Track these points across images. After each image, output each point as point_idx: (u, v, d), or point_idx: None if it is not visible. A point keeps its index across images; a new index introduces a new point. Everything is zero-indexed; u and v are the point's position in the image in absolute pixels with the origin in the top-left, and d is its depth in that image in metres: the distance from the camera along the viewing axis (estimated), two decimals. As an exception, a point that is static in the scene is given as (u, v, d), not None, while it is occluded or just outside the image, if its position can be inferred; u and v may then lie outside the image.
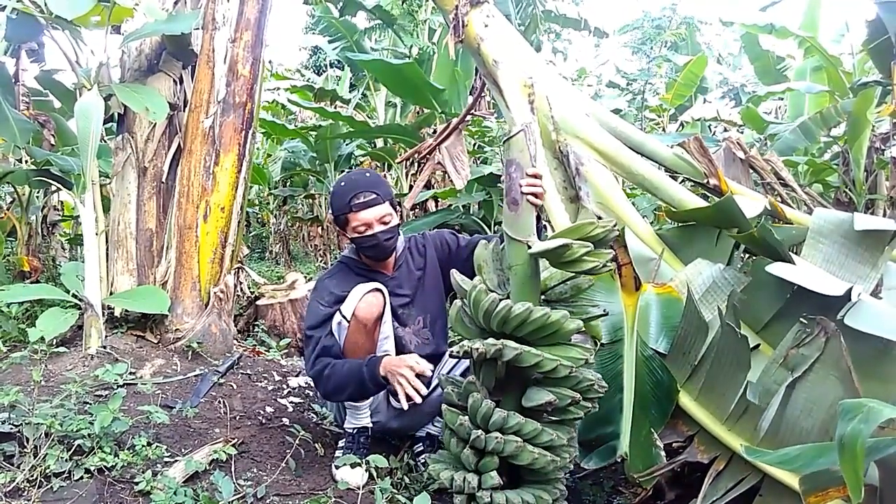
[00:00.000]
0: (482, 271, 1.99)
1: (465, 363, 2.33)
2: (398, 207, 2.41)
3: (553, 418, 1.88)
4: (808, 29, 6.31)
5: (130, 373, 2.69)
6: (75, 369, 2.67)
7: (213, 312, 3.19)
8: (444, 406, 2.00)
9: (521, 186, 1.83)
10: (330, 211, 2.40)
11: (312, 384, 2.41)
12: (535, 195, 1.86)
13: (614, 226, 1.85)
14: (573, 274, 1.93)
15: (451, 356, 1.99)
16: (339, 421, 2.47)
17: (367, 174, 2.36)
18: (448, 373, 2.36)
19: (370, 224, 2.25)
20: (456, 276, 1.99)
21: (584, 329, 1.89)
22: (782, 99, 8.11)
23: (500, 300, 1.83)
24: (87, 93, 2.95)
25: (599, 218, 2.66)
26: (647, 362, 2.13)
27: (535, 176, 1.85)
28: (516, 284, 1.88)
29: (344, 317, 2.20)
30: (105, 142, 3.58)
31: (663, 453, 1.91)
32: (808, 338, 1.75)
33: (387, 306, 2.27)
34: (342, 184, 2.32)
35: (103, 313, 2.94)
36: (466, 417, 1.90)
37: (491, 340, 1.81)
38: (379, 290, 2.25)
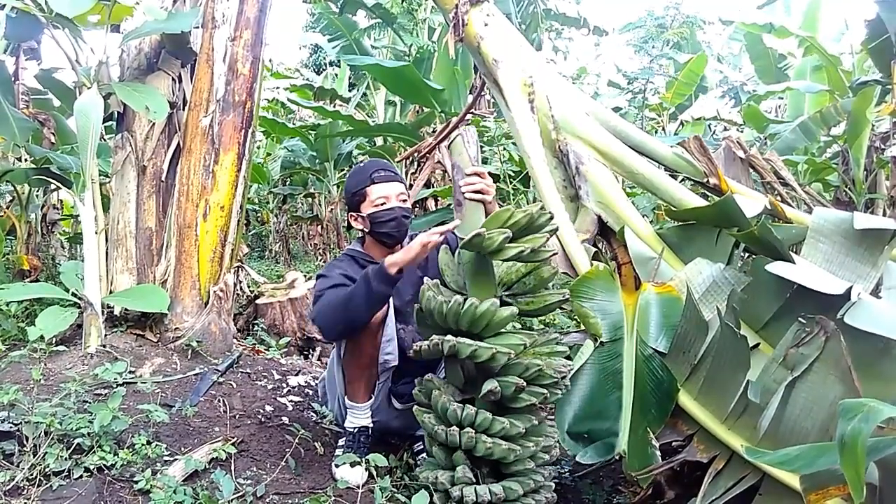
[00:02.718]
0: (445, 274, 2.07)
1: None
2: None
3: (514, 407, 1.92)
4: (807, 28, 6.31)
5: (130, 371, 2.69)
6: (75, 368, 2.66)
7: (212, 311, 3.19)
8: (414, 407, 2.05)
9: (461, 187, 1.91)
10: (345, 195, 2.43)
11: (318, 331, 2.31)
12: (478, 191, 1.91)
13: (541, 209, 1.89)
14: (537, 265, 2.00)
15: (408, 355, 2.03)
16: (339, 420, 2.47)
17: (385, 161, 2.45)
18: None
19: (389, 197, 2.28)
20: (427, 281, 2.04)
21: (535, 318, 1.97)
22: (782, 98, 8.11)
23: (437, 297, 1.90)
24: (86, 91, 2.95)
25: (599, 217, 2.67)
26: (647, 361, 2.13)
27: (475, 174, 1.90)
28: (468, 281, 1.95)
29: None
30: (105, 140, 3.57)
31: (658, 453, 1.92)
32: (808, 337, 1.75)
33: (390, 308, 2.26)
34: (361, 163, 2.41)
35: (103, 312, 2.94)
36: (431, 415, 1.96)
37: (434, 337, 1.88)
38: None
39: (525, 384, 1.84)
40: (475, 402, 1.92)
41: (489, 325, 1.87)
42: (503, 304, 1.92)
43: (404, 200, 2.33)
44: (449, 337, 1.84)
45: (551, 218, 1.90)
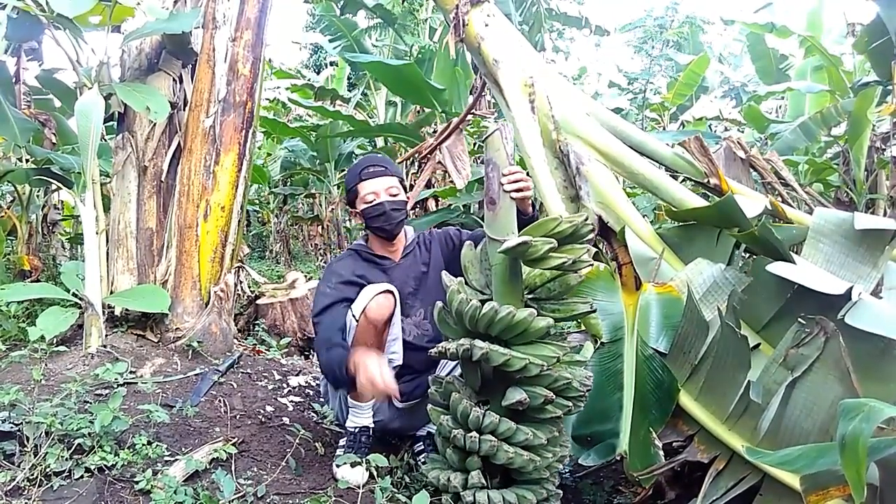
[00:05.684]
0: (468, 272, 2.01)
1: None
2: (407, 189, 2.47)
3: (537, 417, 1.88)
4: (809, 28, 6.31)
5: (131, 372, 2.69)
6: (75, 368, 2.67)
7: (213, 311, 3.19)
8: (429, 406, 2.02)
9: (501, 185, 1.83)
10: (346, 193, 2.51)
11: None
12: (521, 189, 1.86)
13: (585, 220, 1.83)
14: (560, 272, 1.94)
15: (429, 355, 2.01)
16: (340, 420, 2.47)
17: (380, 156, 2.51)
18: (449, 373, 2.36)
19: (378, 193, 2.34)
20: (445, 277, 2.01)
21: (556, 325, 1.90)
22: (783, 98, 8.12)
23: (470, 300, 1.84)
24: (87, 92, 2.95)
25: (600, 218, 2.67)
26: (648, 362, 2.13)
27: (514, 172, 1.86)
28: (496, 284, 1.89)
29: (353, 316, 2.20)
30: (105, 141, 3.58)
31: (662, 453, 1.92)
32: (808, 337, 1.75)
33: (397, 308, 2.27)
34: (355, 161, 2.52)
35: (103, 312, 2.94)
36: (448, 416, 1.92)
37: (463, 340, 1.82)
38: (390, 291, 2.24)
39: (553, 396, 1.81)
40: (490, 406, 1.90)
41: (522, 334, 1.82)
42: (527, 308, 1.88)
43: (395, 194, 2.36)
44: (480, 342, 1.79)
45: (593, 229, 1.86)
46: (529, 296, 1.98)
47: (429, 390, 2.07)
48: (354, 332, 2.21)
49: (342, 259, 2.46)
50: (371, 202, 2.34)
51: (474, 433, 1.83)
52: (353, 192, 2.39)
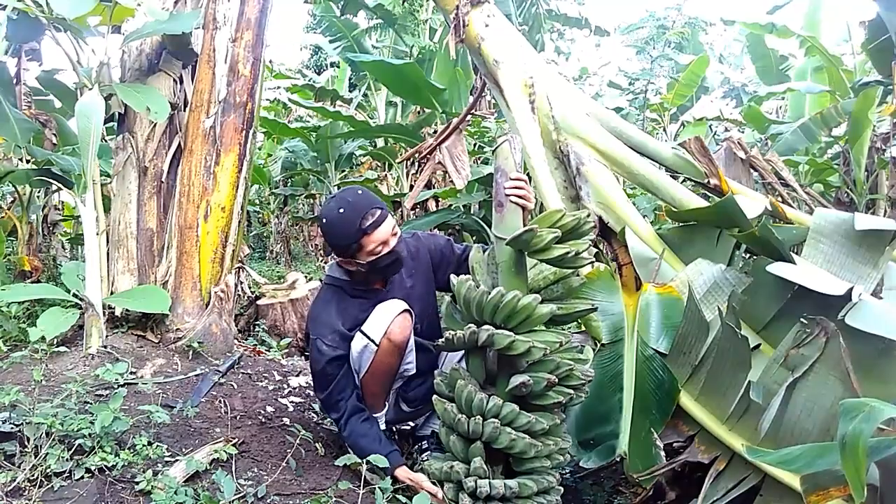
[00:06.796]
0: (476, 273, 2.08)
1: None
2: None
3: (539, 404, 1.92)
4: (809, 29, 6.31)
5: (131, 372, 2.69)
6: (76, 369, 2.66)
7: (213, 312, 3.18)
8: (434, 397, 2.06)
9: (504, 189, 1.94)
10: (331, 245, 2.20)
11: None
12: (521, 196, 1.95)
13: (588, 216, 1.92)
14: (566, 274, 2.00)
15: (433, 347, 2.04)
16: None
17: (360, 192, 2.20)
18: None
19: (387, 241, 2.13)
20: (453, 278, 2.06)
21: (559, 327, 1.94)
22: (783, 99, 8.12)
23: (478, 287, 1.91)
24: (87, 92, 2.94)
25: (600, 218, 2.67)
26: (648, 362, 2.13)
27: (518, 179, 1.94)
28: (502, 278, 1.96)
29: (371, 340, 2.17)
30: (106, 141, 3.57)
31: (663, 453, 1.92)
32: (809, 338, 1.75)
33: (413, 320, 2.27)
34: (341, 210, 2.11)
35: (104, 313, 2.94)
36: (453, 405, 1.97)
37: (471, 326, 1.89)
38: (406, 310, 2.21)
39: (556, 380, 1.85)
40: (495, 395, 1.94)
41: (526, 321, 1.87)
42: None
43: (396, 232, 2.18)
44: (487, 326, 1.85)
45: (594, 227, 1.94)
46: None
47: (434, 381, 2.10)
48: (374, 355, 2.19)
49: (328, 303, 2.29)
50: (380, 253, 2.13)
51: (478, 417, 1.87)
52: (356, 248, 2.12)
